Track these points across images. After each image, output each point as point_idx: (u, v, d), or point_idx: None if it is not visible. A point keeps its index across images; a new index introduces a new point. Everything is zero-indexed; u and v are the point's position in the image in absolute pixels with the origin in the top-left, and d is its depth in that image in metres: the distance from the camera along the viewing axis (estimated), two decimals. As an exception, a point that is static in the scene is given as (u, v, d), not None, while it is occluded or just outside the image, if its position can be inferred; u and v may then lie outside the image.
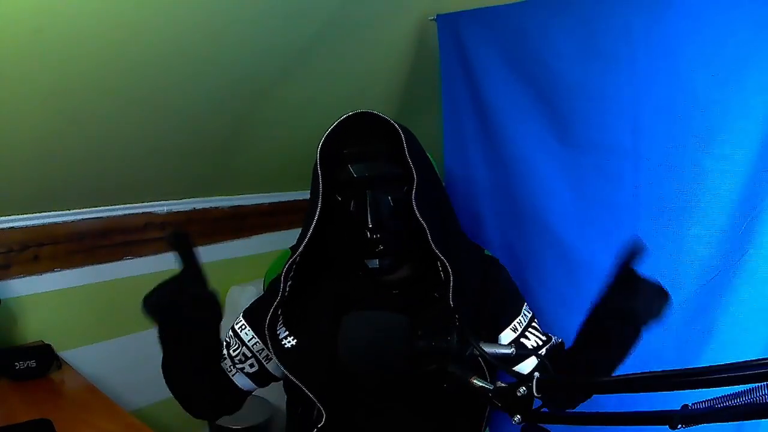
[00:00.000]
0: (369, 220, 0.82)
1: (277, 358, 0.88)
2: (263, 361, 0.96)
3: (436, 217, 0.87)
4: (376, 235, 0.84)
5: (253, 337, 0.95)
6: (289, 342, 0.90)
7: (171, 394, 0.93)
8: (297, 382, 0.86)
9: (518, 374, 0.60)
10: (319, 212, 0.84)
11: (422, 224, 0.83)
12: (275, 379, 0.99)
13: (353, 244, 0.88)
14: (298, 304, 0.92)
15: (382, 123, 0.85)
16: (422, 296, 0.91)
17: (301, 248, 0.85)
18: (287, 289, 0.87)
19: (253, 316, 0.97)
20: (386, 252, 0.86)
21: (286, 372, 0.87)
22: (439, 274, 0.87)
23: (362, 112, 0.85)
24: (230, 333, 0.98)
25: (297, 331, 0.91)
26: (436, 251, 0.84)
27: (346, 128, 0.85)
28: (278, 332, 0.91)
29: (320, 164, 0.85)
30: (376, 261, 0.86)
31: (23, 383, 1.32)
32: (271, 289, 0.97)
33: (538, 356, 0.73)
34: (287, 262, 0.87)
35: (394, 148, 0.85)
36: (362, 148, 0.85)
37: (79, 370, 1.48)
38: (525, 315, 0.98)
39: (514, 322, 0.96)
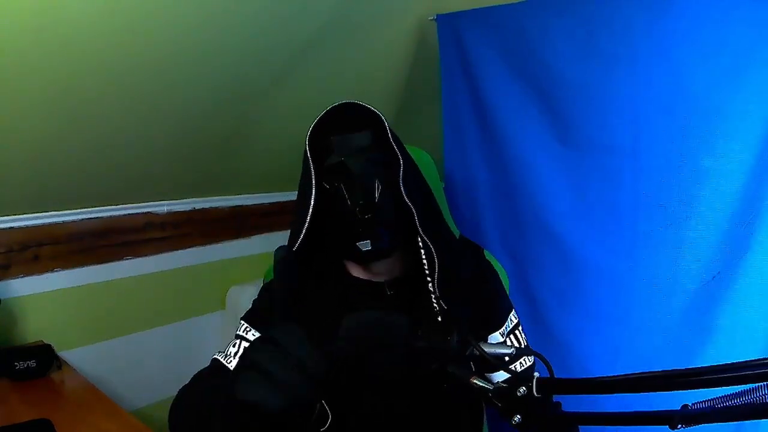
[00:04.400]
0: (359, 200, 0.83)
1: None
2: None
3: (421, 203, 0.89)
4: (367, 215, 0.84)
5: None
6: None
7: (170, 394, 0.90)
8: None
9: (518, 374, 0.60)
10: (314, 200, 0.85)
11: (410, 207, 0.85)
12: None
13: (344, 229, 0.87)
14: (294, 307, 0.90)
15: (365, 112, 0.89)
16: (416, 294, 0.90)
17: (301, 237, 0.85)
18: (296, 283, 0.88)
19: (255, 317, 0.95)
20: (378, 233, 0.86)
21: None
22: (429, 266, 0.87)
23: (347, 102, 0.89)
24: (235, 341, 0.95)
25: None
26: (424, 236, 0.85)
27: (333, 119, 0.88)
28: None
29: (310, 151, 0.87)
30: (368, 243, 0.85)
31: (23, 383, 1.32)
32: (266, 290, 0.97)
33: (539, 356, 0.73)
34: (285, 255, 0.86)
35: (378, 136, 0.88)
36: (347, 133, 0.88)
37: (79, 370, 1.48)
38: (507, 325, 0.97)
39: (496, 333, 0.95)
